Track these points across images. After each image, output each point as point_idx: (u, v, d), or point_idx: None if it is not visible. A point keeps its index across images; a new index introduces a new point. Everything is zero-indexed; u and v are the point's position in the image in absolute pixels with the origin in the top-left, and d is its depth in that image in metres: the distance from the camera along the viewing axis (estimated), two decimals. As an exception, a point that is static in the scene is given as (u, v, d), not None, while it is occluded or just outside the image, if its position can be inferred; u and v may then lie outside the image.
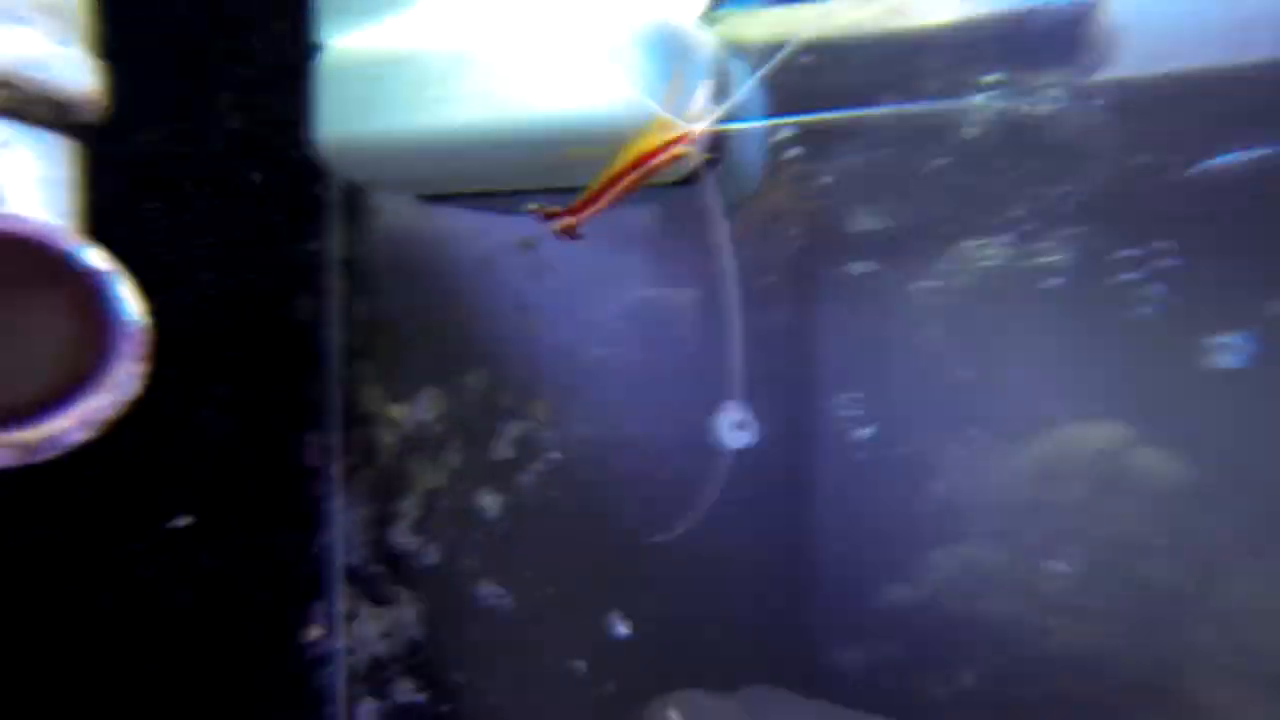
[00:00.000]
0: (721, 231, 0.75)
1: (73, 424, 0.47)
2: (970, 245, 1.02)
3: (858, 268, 1.10)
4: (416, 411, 0.97)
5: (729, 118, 0.73)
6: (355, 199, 1.00)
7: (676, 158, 0.67)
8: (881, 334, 1.14)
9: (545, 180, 0.80)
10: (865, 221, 1.08)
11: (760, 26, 0.86)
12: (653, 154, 0.67)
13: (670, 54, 0.69)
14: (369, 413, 0.99)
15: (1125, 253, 0.93)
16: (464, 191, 0.88)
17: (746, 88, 0.80)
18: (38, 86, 0.55)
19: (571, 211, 0.71)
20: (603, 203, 0.70)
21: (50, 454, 0.49)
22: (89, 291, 0.49)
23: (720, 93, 0.78)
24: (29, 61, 0.53)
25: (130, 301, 0.50)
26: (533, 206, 0.72)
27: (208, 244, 0.90)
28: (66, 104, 0.58)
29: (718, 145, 0.79)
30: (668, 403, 0.85)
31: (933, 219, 1.06)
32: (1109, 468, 1.03)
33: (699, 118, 0.68)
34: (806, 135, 0.89)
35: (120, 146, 0.80)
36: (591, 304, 1.09)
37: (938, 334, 1.09)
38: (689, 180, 0.81)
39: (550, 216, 0.71)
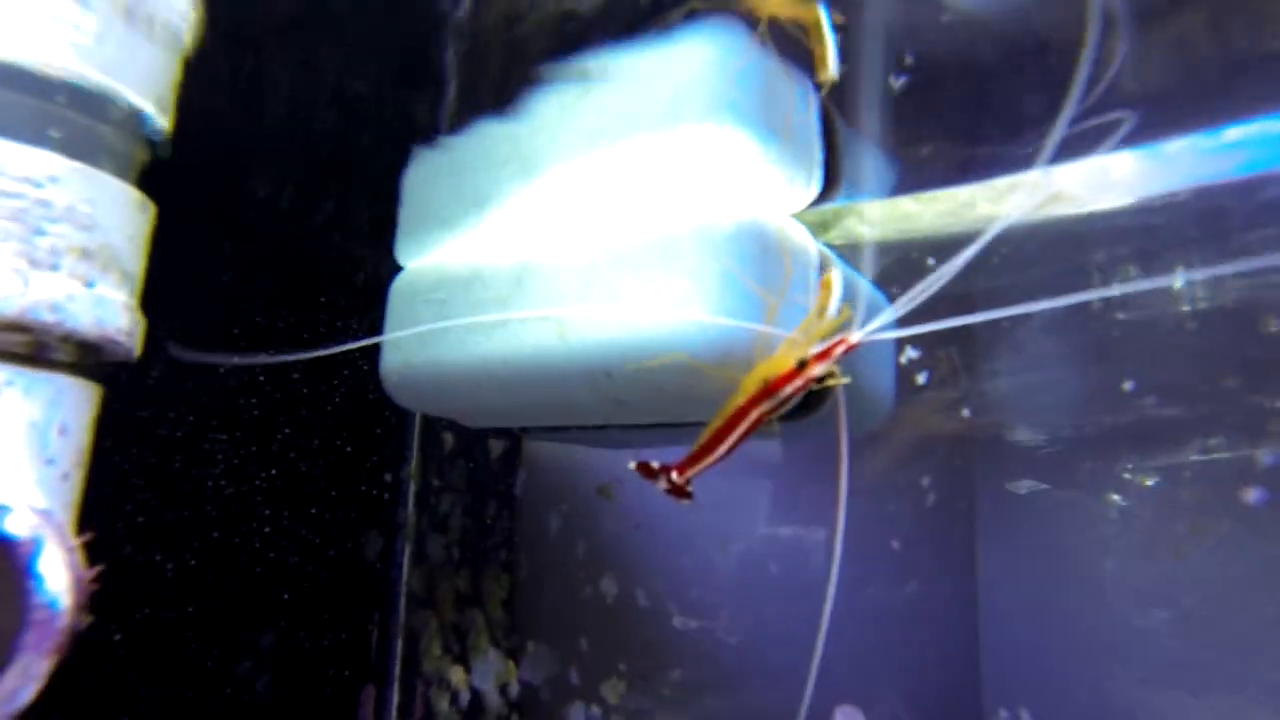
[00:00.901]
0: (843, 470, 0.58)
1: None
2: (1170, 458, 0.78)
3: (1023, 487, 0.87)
4: (476, 678, 0.81)
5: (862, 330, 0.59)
6: (436, 429, 0.92)
7: (812, 383, 0.53)
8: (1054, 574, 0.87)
9: (620, 416, 0.68)
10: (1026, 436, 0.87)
11: (880, 223, 0.74)
12: (782, 381, 0.52)
13: (764, 256, 0.57)
14: (427, 673, 0.85)
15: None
16: (537, 426, 0.79)
17: (869, 296, 0.67)
18: (55, 329, 0.51)
19: (680, 468, 0.55)
20: (720, 452, 0.54)
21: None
22: (9, 565, 0.41)
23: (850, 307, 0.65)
24: (47, 305, 0.50)
25: (53, 579, 0.41)
26: (632, 465, 0.57)
27: (272, 476, 0.84)
28: (89, 345, 0.54)
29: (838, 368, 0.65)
30: (777, 691, 0.66)
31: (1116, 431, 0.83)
32: None
33: (840, 340, 0.54)
34: (950, 350, 0.73)
35: (189, 372, 0.78)
36: (704, 548, 0.92)
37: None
38: (797, 413, 0.66)
39: (653, 475, 0.56)
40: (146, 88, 0.56)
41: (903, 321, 0.66)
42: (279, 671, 0.83)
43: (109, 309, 0.54)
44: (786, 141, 0.60)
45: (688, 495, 0.55)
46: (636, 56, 0.64)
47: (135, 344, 0.57)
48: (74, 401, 0.53)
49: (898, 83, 0.65)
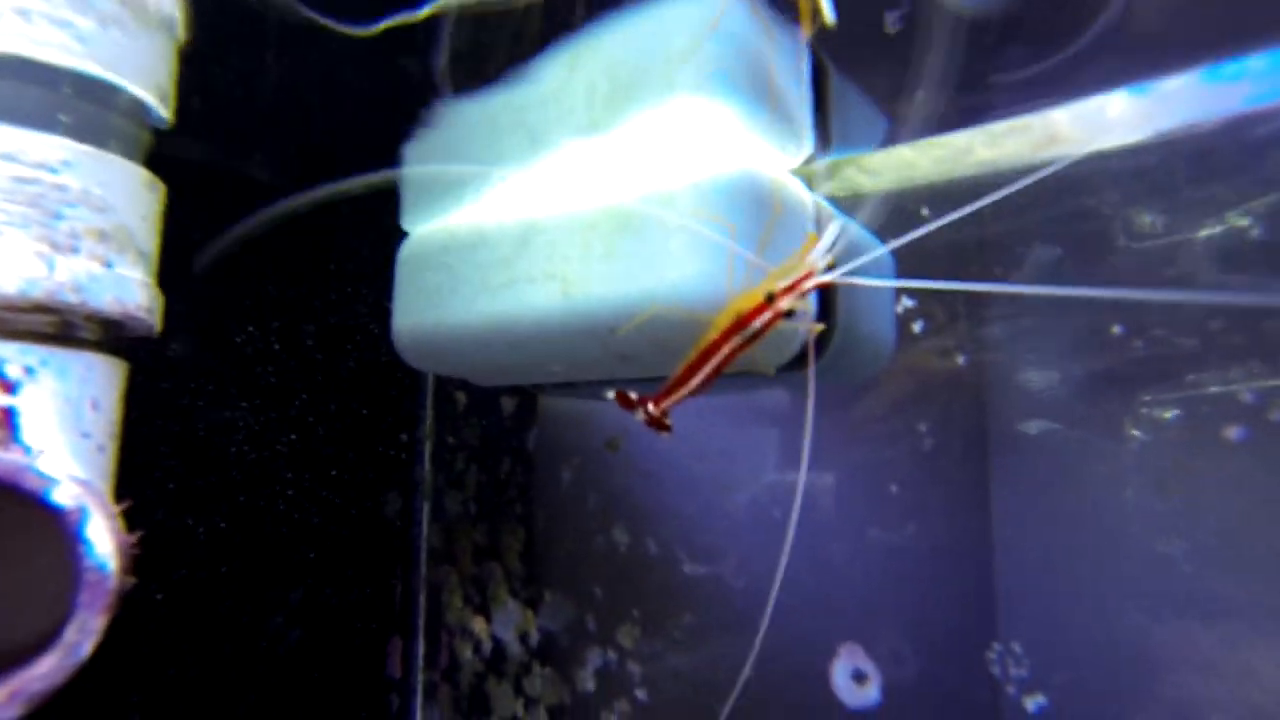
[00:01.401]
0: (844, 419, 0.61)
1: (3, 700, 0.40)
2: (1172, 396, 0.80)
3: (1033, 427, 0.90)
4: (497, 627, 0.85)
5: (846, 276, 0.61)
6: (449, 389, 0.95)
7: (781, 318, 0.55)
8: (1067, 507, 0.90)
9: (625, 371, 0.70)
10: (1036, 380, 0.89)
11: (879, 173, 0.75)
12: (752, 315, 0.55)
13: (758, 209, 0.59)
14: (450, 624, 0.89)
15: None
16: (547, 383, 0.81)
17: (859, 244, 0.68)
18: (80, 309, 0.53)
19: (657, 399, 0.59)
20: (694, 384, 0.57)
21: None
22: (59, 532, 0.43)
23: (832, 252, 0.67)
24: (71, 286, 0.52)
25: (100, 544, 0.44)
26: (610, 394, 0.62)
27: (292, 441, 0.87)
28: (112, 323, 0.57)
29: (830, 317, 0.67)
30: (781, 633, 0.69)
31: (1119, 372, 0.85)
32: None
33: (807, 273, 0.56)
34: (950, 296, 0.74)
35: (207, 344, 0.80)
36: (711, 495, 0.95)
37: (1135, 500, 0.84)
38: (798, 363, 0.69)
39: (631, 406, 0.60)
40: (147, 75, 0.57)
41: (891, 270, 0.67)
42: (309, 625, 0.87)
43: (128, 287, 0.56)
44: (776, 102, 0.61)
45: (666, 427, 0.57)
46: (629, 22, 0.64)
47: (155, 320, 0.60)
48: (103, 377, 0.56)
49: (894, 23, 0.65)
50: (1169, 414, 0.76)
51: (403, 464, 0.97)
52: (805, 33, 0.63)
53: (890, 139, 0.73)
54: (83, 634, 0.43)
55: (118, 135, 0.57)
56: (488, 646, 0.86)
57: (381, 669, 0.94)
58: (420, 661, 0.93)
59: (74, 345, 0.55)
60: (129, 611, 0.73)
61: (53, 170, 0.52)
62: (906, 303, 0.65)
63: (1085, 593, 0.83)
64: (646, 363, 0.67)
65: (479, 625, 0.86)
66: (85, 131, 0.55)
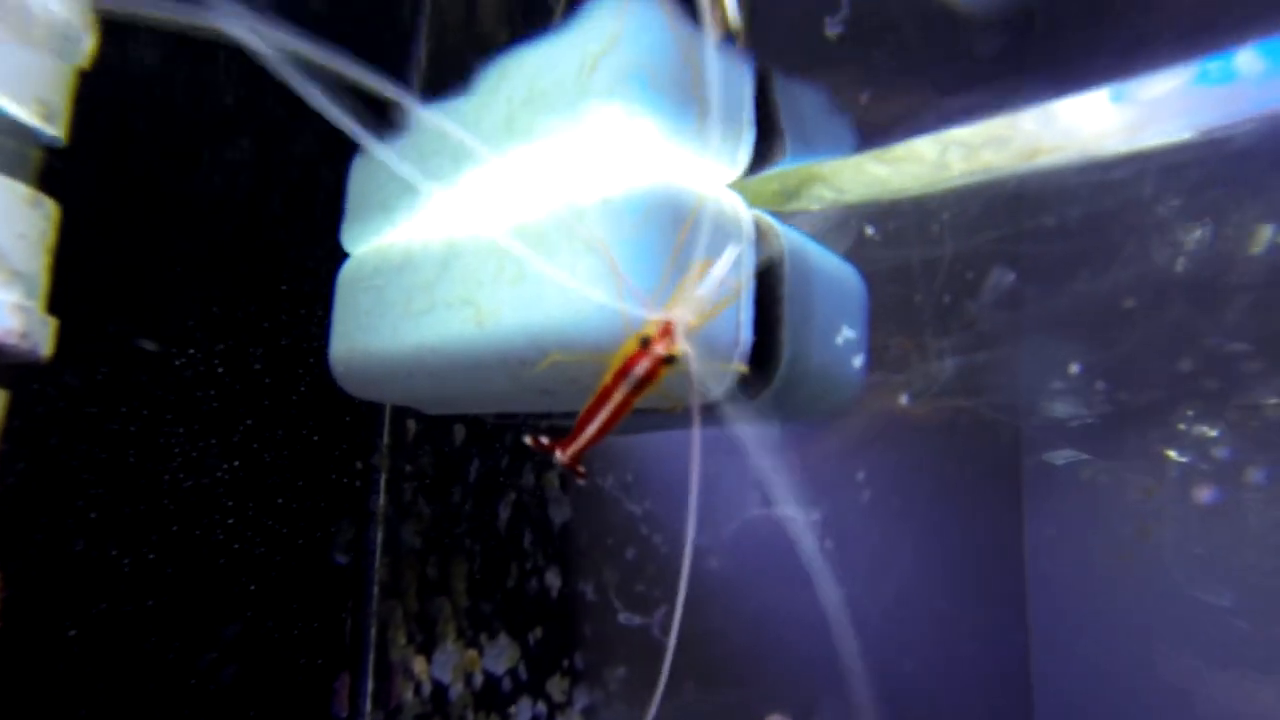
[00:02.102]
0: (774, 460, 0.54)
1: None
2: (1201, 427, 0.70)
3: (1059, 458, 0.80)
4: (436, 669, 0.80)
5: (743, 301, 0.55)
6: (402, 415, 0.90)
7: (660, 365, 0.49)
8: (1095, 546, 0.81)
9: (550, 405, 0.64)
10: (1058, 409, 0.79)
11: (851, 187, 0.68)
12: (632, 362, 0.50)
13: (677, 226, 0.52)
14: (393, 661, 0.84)
15: None
16: (485, 413, 0.76)
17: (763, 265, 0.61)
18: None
19: (564, 444, 0.55)
20: (593, 431, 0.53)
21: None
22: None
23: (773, 270, 0.60)
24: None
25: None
26: (527, 439, 0.57)
27: (235, 468, 0.83)
28: (-15, 347, 0.53)
29: (771, 350, 0.60)
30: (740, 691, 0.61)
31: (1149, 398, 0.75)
32: None
33: (679, 311, 0.49)
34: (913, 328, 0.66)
35: (141, 368, 0.77)
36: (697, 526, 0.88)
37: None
38: (749, 391, 0.61)
39: (544, 450, 0.56)
40: (23, 94, 0.54)
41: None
42: (246, 662, 0.83)
43: (-4, 311, 0.52)
44: (701, 110, 0.55)
45: (579, 473, 0.57)
46: (555, 32, 0.59)
47: (37, 343, 0.56)
48: (-31, 406, 0.53)
49: (833, 27, 0.58)
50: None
51: (356, 492, 0.93)
52: (714, 35, 0.57)
53: (861, 146, 0.66)
54: None
55: (-2, 151, 0.54)
56: (428, 688, 0.80)
57: (326, 707, 0.89)
58: (369, 700, 0.88)
59: (-64, 372, 0.52)
60: (35, 648, 0.69)
61: (-90, 187, 0.50)
62: (847, 333, 0.58)
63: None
64: (566, 398, 0.61)
65: (420, 665, 0.80)
66: (-45, 147, 0.52)
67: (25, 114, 0.54)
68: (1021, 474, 0.83)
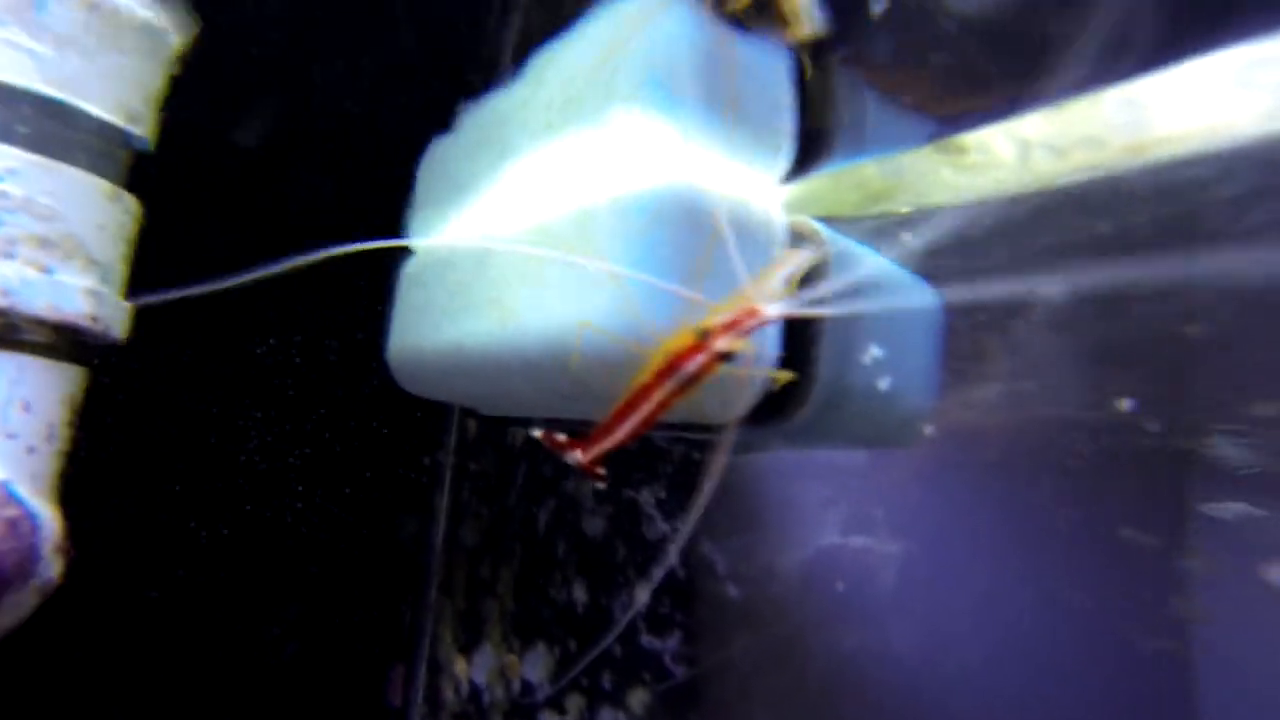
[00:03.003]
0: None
1: None
2: None
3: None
4: (474, 670, 0.79)
5: (823, 305, 0.50)
6: (465, 415, 0.91)
7: (719, 361, 0.45)
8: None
9: (575, 411, 0.62)
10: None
11: (897, 187, 0.61)
12: (684, 357, 0.45)
13: (693, 231, 0.49)
14: (439, 659, 0.85)
15: None
16: (529, 416, 0.74)
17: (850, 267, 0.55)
18: (9, 313, 0.55)
19: (585, 445, 0.51)
20: (623, 432, 0.48)
21: None
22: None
23: (816, 279, 0.55)
24: (2, 290, 0.54)
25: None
26: (536, 433, 0.54)
27: (306, 455, 0.87)
28: (62, 328, 0.58)
29: (806, 363, 0.55)
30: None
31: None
32: None
33: (748, 309, 0.45)
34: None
35: (226, 354, 0.83)
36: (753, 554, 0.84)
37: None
38: (772, 413, 0.57)
39: (559, 448, 0.52)
40: (113, 98, 0.59)
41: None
42: (307, 642, 0.87)
43: (66, 294, 0.57)
44: (731, 110, 0.51)
45: (598, 476, 0.51)
46: (590, 24, 0.57)
47: (109, 326, 0.61)
48: (39, 380, 0.57)
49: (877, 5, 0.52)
50: None
51: (422, 488, 0.95)
52: (786, 40, 0.52)
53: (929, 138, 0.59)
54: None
55: (84, 150, 0.59)
56: (465, 689, 0.80)
57: (380, 696, 0.91)
58: (421, 693, 0.89)
59: (15, 348, 0.57)
60: (120, 606, 0.75)
61: None
62: (875, 352, 0.52)
63: None
64: (586, 406, 0.59)
65: (460, 666, 0.81)
66: (44, 144, 0.57)
67: (111, 116, 0.59)
68: (1186, 525, 0.72)
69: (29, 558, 0.54)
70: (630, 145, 0.51)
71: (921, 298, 0.62)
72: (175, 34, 0.65)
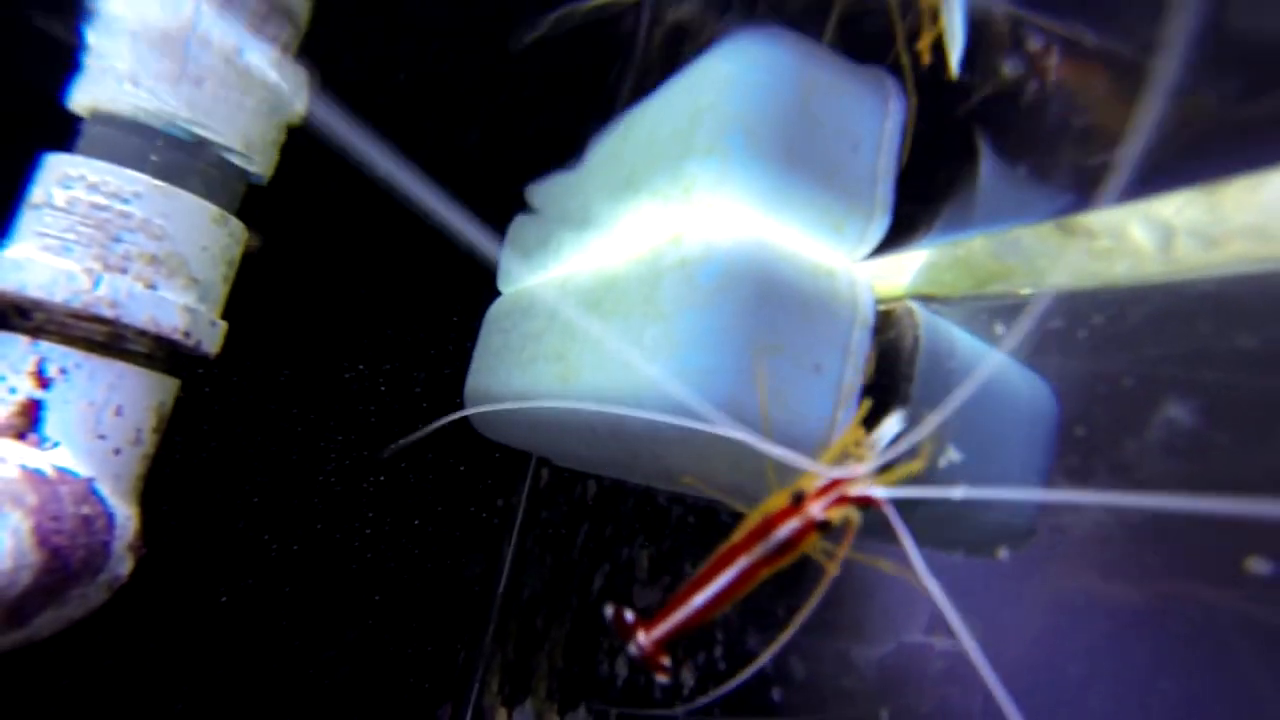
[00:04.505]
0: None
1: None
2: None
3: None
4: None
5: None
6: (540, 461, 0.91)
7: (811, 530, 0.39)
8: None
9: (635, 476, 0.60)
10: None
11: (1012, 268, 0.55)
12: (772, 522, 0.40)
13: (761, 302, 0.45)
14: (484, 706, 0.83)
15: None
16: (596, 473, 0.72)
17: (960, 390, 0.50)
18: (115, 323, 0.59)
19: (650, 624, 0.42)
20: (696, 609, 0.41)
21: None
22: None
23: (903, 364, 0.50)
24: (108, 301, 0.58)
25: (2, 543, 0.47)
26: (608, 611, 0.45)
27: (380, 482, 0.89)
28: (161, 340, 0.62)
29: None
30: None
31: None
32: None
33: (838, 482, 0.40)
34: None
35: (316, 376, 0.86)
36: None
37: None
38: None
39: (624, 631, 0.43)
40: (235, 136, 0.63)
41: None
42: (361, 666, 0.87)
43: (167, 309, 0.60)
44: (819, 172, 0.48)
45: (660, 668, 0.42)
46: (681, 78, 0.56)
47: (202, 342, 0.64)
48: (135, 388, 0.61)
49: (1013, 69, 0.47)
50: None
51: (492, 530, 0.94)
52: (910, 91, 0.49)
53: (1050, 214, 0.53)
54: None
55: (201, 177, 0.63)
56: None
57: (425, 733, 0.90)
58: (464, 739, 0.88)
59: (117, 356, 0.61)
60: (193, 604, 0.78)
61: (124, 201, 0.59)
62: (952, 455, 0.46)
63: None
64: (642, 473, 0.56)
65: (502, 717, 0.78)
66: (168, 172, 0.61)
67: (230, 150, 0.63)
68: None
69: (99, 554, 0.57)
70: (703, 204, 0.49)
71: (1031, 400, 0.55)
72: (294, 97, 0.69)
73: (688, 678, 0.65)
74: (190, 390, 0.68)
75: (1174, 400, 0.36)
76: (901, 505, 0.51)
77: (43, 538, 0.50)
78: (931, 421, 0.40)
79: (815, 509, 0.39)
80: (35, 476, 0.52)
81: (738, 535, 0.41)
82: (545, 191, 0.77)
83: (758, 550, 0.40)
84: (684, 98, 0.52)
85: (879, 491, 0.40)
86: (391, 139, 0.89)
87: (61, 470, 0.56)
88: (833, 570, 0.42)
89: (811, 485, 0.40)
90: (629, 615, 0.43)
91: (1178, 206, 0.49)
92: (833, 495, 0.40)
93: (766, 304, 0.46)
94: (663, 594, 0.68)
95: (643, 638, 0.41)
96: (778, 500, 0.41)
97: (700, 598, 0.41)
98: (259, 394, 0.82)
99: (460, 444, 0.93)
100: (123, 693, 0.76)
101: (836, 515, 0.40)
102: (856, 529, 0.40)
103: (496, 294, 0.81)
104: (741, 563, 0.40)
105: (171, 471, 0.70)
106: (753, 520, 0.41)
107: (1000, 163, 0.53)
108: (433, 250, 0.93)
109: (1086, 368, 0.42)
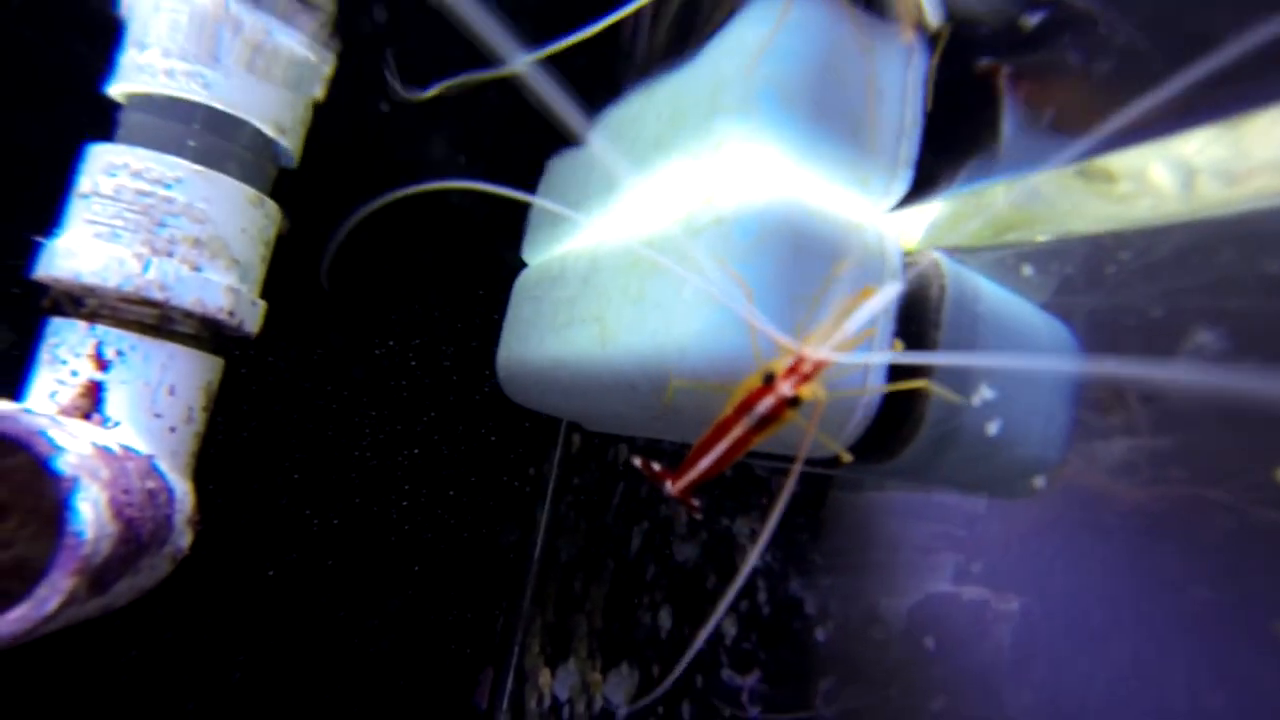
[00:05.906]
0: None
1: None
2: None
3: None
4: (557, 684, 0.80)
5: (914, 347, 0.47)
6: (571, 429, 0.93)
7: (784, 406, 0.45)
8: None
9: (672, 433, 0.62)
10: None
11: (1032, 215, 0.57)
12: (754, 398, 0.45)
13: (797, 254, 0.48)
14: (525, 668, 0.86)
15: None
16: (630, 434, 0.74)
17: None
18: (165, 305, 0.61)
19: (676, 475, 0.52)
20: (705, 466, 0.49)
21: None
22: (56, 497, 0.49)
23: (932, 314, 0.52)
24: (158, 285, 0.60)
25: (84, 513, 0.49)
26: (637, 462, 0.56)
27: (415, 455, 0.91)
28: (208, 321, 0.64)
29: (913, 403, 0.52)
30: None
31: None
32: None
33: (802, 356, 0.44)
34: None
35: (349, 353, 0.88)
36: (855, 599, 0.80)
37: None
38: (878, 451, 0.54)
39: (653, 477, 0.54)
40: (267, 115, 0.64)
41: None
42: (403, 635, 0.90)
43: (211, 290, 0.62)
44: (846, 126, 0.49)
45: (692, 507, 0.53)
46: (704, 48, 0.57)
47: (244, 321, 0.66)
48: (186, 367, 0.63)
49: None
50: None
51: (525, 498, 0.97)
52: (905, 37, 0.50)
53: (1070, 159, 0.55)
54: (51, 591, 0.48)
55: (237, 161, 0.65)
56: (548, 702, 0.81)
57: (469, 695, 0.93)
58: (507, 699, 0.91)
59: (167, 337, 0.63)
60: (242, 578, 0.81)
61: (167, 186, 0.61)
62: (986, 393, 0.48)
63: None
64: (682, 430, 0.58)
65: (544, 677, 0.81)
66: (207, 156, 0.63)
67: (266, 129, 0.65)
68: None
69: (165, 526, 0.59)
70: (735, 162, 0.50)
71: (1052, 340, 0.57)
72: (323, 65, 0.70)
73: (729, 628, 0.67)
74: (229, 371, 0.70)
75: (1202, 327, 0.38)
76: (939, 445, 0.53)
77: (117, 509, 0.52)
78: (884, 297, 0.43)
79: (785, 387, 0.43)
80: (106, 453, 0.54)
81: (728, 409, 0.47)
82: (569, 159, 0.78)
83: (743, 423, 0.46)
84: (712, 62, 0.54)
85: (826, 354, 0.43)
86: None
87: (126, 448, 0.58)
88: (811, 434, 0.46)
89: (780, 366, 0.44)
90: (656, 465, 0.52)
91: (1199, 145, 0.51)
92: (798, 374, 0.43)
93: (801, 258, 0.48)
94: (701, 549, 0.70)
95: (670, 484, 0.50)
96: (754, 380, 0.45)
97: (705, 460, 0.48)
98: (294, 374, 0.84)
99: (491, 415, 0.95)
100: (184, 662, 0.79)
101: (806, 392, 0.43)
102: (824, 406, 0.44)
103: (522, 266, 0.83)
104: (735, 433, 0.47)
105: (216, 451, 0.72)
106: (738, 397, 0.46)
107: (1023, 112, 0.54)
108: (456, 227, 0.94)
109: (1114, 302, 0.44)
